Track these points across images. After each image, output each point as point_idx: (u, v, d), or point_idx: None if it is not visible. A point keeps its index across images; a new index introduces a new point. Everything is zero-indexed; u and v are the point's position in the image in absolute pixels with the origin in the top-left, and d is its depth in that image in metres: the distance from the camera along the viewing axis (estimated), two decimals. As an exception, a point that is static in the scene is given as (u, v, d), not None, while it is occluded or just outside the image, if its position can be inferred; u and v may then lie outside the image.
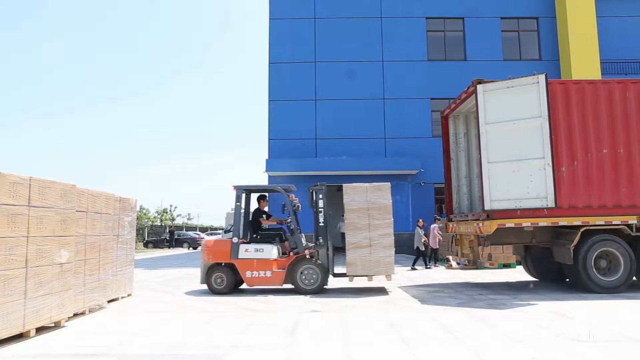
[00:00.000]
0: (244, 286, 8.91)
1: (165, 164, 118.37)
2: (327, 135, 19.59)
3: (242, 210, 8.61)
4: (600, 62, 19.21)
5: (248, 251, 8.18)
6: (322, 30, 20.17)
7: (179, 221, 50.16)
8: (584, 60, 18.95)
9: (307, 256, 8.16)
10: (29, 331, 5.10)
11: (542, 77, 7.55)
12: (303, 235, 8.48)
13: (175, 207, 58.58)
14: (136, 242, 20.38)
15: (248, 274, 8.12)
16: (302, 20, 20.21)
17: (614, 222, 7.73)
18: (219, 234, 39.22)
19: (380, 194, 8.23)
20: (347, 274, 8.19)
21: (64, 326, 5.73)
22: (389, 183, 8.47)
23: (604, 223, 7.72)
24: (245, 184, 8.73)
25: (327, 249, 8.24)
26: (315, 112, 19.78)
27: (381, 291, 8.44)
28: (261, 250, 8.17)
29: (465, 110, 9.68)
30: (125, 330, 5.50)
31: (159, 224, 43.94)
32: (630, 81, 8.08)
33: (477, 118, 7.89)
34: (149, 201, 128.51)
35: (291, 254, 8.30)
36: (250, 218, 8.89)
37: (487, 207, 7.68)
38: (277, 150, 19.51)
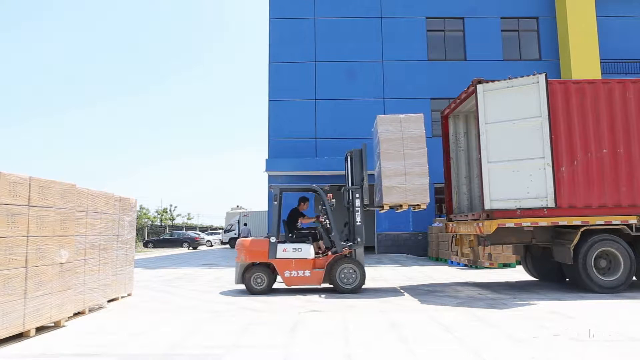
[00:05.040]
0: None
1: (165, 163, 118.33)
2: (327, 135, 19.60)
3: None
4: (600, 62, 19.22)
5: (286, 251, 8.12)
6: (322, 30, 20.17)
7: (179, 221, 50.25)
8: (584, 60, 18.96)
9: (345, 255, 8.18)
10: (29, 331, 5.11)
11: (542, 77, 7.55)
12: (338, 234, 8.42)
13: (175, 207, 58.73)
14: (136, 242, 20.39)
15: (287, 273, 8.09)
16: (302, 20, 20.22)
17: (613, 222, 7.73)
18: (219, 233, 39.26)
19: (414, 125, 8.39)
20: (383, 203, 8.21)
21: (63, 326, 5.74)
22: (421, 114, 8.63)
23: (603, 223, 7.72)
24: (282, 184, 8.66)
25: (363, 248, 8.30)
26: (315, 111, 19.80)
27: (381, 291, 8.45)
28: (299, 249, 8.13)
29: (465, 110, 9.68)
30: (125, 330, 5.50)
31: (159, 224, 43.96)
32: (630, 81, 8.07)
33: (477, 118, 7.90)
34: (149, 201, 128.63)
35: (329, 253, 8.27)
36: (287, 218, 8.83)
37: (487, 207, 7.68)
38: (277, 150, 19.52)
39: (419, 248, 18.86)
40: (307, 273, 8.09)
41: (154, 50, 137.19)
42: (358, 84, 19.83)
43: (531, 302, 6.92)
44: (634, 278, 8.01)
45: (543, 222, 7.77)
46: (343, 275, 8.10)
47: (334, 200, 8.64)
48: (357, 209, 8.30)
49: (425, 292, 8.23)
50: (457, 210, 9.81)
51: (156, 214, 48.00)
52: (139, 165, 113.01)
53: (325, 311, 6.47)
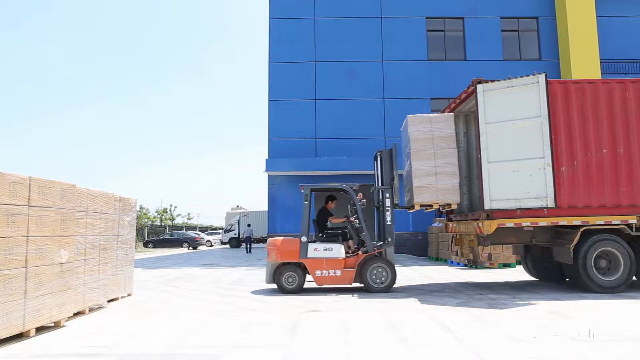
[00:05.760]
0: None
1: (166, 163, 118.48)
2: (327, 135, 19.61)
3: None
4: (600, 62, 19.22)
5: (317, 250, 8.15)
6: (322, 30, 20.17)
7: (179, 221, 50.26)
8: (584, 60, 18.95)
9: (376, 255, 8.21)
10: (28, 331, 5.11)
11: (541, 77, 7.55)
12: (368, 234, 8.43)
13: (175, 207, 58.75)
14: (136, 242, 20.40)
15: (318, 273, 8.12)
16: (302, 20, 20.22)
17: (613, 222, 7.72)
18: (219, 233, 39.26)
19: (444, 124, 8.44)
20: (414, 203, 8.24)
21: (63, 326, 5.74)
22: (452, 114, 8.72)
23: (603, 223, 7.71)
24: (312, 184, 8.70)
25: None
26: (315, 112, 19.80)
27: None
28: (330, 249, 8.17)
29: (465, 110, 9.67)
30: (125, 330, 5.50)
31: (159, 224, 43.96)
32: (630, 81, 8.07)
33: (477, 118, 7.89)
34: (149, 201, 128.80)
35: (359, 252, 8.29)
36: (316, 217, 8.83)
37: (486, 207, 7.68)
38: (277, 150, 19.52)
39: (419, 248, 18.87)
40: (338, 272, 8.11)
41: (154, 50, 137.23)
42: (358, 84, 19.83)
43: (531, 302, 6.91)
44: (634, 278, 8.00)
45: (543, 222, 7.76)
46: (374, 275, 8.12)
47: (365, 200, 8.65)
48: (387, 208, 8.37)
49: (425, 292, 8.23)
50: (457, 210, 9.80)
51: (156, 214, 48.03)
52: (139, 165, 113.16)
53: (325, 311, 6.47)
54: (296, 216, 19.32)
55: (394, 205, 8.44)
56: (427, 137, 8.36)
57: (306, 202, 8.33)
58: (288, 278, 8.20)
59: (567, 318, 5.74)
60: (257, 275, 11.65)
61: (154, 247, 31.98)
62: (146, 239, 34.81)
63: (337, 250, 8.17)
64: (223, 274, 12.13)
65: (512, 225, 7.78)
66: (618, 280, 7.65)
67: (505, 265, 12.62)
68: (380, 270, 8.14)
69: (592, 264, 7.68)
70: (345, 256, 8.24)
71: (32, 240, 5.17)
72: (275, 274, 8.23)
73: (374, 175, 9.07)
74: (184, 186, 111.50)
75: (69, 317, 6.03)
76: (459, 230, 9.26)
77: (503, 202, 7.62)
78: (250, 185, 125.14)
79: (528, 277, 10.16)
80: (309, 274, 8.29)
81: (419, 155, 8.32)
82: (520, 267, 12.12)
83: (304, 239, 8.16)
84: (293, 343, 4.73)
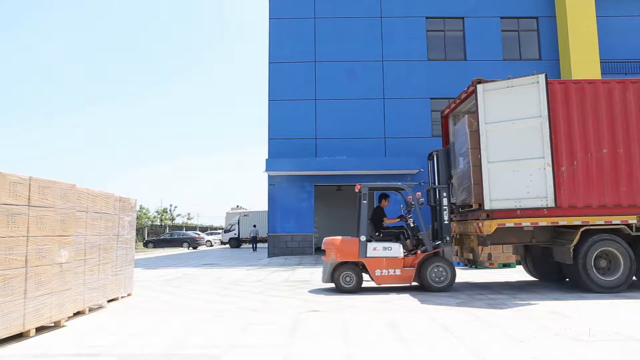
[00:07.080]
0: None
1: (165, 163, 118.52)
2: (327, 135, 19.59)
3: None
4: (600, 62, 19.20)
5: (376, 249, 8.19)
6: (322, 30, 20.15)
7: (179, 221, 50.29)
8: (584, 60, 18.94)
9: (434, 254, 8.24)
10: (28, 331, 5.11)
11: (541, 77, 7.55)
12: (427, 233, 8.44)
13: (175, 207, 58.80)
14: (136, 242, 20.40)
15: (377, 272, 8.16)
16: (302, 20, 20.20)
17: (613, 222, 7.72)
18: (219, 233, 39.28)
19: None
20: (472, 202, 8.24)
21: (63, 326, 5.74)
22: None
23: (603, 223, 7.72)
24: (370, 182, 8.70)
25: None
26: (315, 112, 19.78)
27: (381, 291, 8.45)
28: (389, 248, 8.21)
29: (465, 110, 9.67)
30: (125, 330, 5.50)
31: (159, 224, 43.97)
32: (630, 81, 8.07)
33: (477, 118, 7.89)
34: (149, 201, 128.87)
35: (417, 251, 8.31)
36: (370, 217, 8.80)
37: (486, 207, 7.68)
38: (277, 150, 19.50)
39: (419, 248, 18.84)
40: (398, 272, 8.17)
41: (154, 50, 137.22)
42: (358, 84, 19.81)
43: (531, 302, 6.92)
44: (634, 278, 8.00)
45: (543, 222, 7.76)
46: (434, 274, 8.17)
47: (423, 199, 8.66)
48: (444, 207, 8.42)
49: (425, 292, 8.22)
50: (457, 210, 9.79)
51: (156, 214, 48.05)
52: (139, 165, 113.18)
53: (324, 311, 6.47)
54: (296, 216, 19.34)
55: (450, 205, 8.49)
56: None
57: (364, 202, 8.35)
58: (345, 277, 8.23)
59: (567, 318, 5.74)
60: (257, 275, 11.66)
61: (154, 247, 31.99)
62: (146, 239, 34.83)
63: (397, 249, 8.21)
64: (223, 274, 12.13)
65: (512, 225, 7.78)
66: (618, 280, 7.66)
67: (505, 265, 12.61)
68: (440, 269, 8.17)
69: (592, 264, 7.68)
70: (404, 255, 8.27)
71: (32, 240, 5.17)
72: (334, 274, 8.24)
73: (428, 174, 9.08)
74: (184, 186, 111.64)
75: (69, 317, 6.04)
76: (459, 230, 9.26)
77: (503, 202, 7.62)
78: (250, 185, 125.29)
79: (528, 277, 10.16)
80: (366, 273, 8.32)
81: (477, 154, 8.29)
82: (520, 267, 12.11)
83: (363, 238, 8.19)
84: (293, 343, 4.73)
